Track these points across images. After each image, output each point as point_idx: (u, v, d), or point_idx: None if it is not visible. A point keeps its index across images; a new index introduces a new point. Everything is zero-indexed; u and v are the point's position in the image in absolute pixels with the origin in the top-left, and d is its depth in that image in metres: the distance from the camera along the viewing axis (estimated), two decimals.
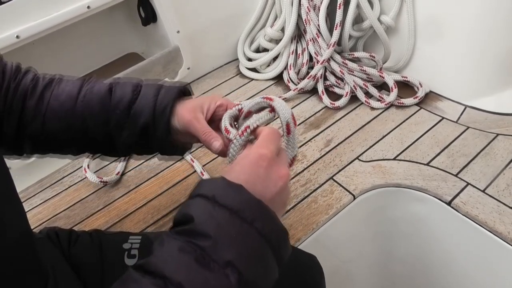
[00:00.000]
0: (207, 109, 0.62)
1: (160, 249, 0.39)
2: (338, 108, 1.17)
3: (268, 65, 1.34)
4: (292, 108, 1.20)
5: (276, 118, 0.54)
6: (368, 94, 1.18)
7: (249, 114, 0.58)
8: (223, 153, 0.59)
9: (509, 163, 0.93)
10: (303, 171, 1.00)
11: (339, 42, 1.17)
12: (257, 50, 1.37)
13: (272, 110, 0.54)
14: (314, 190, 0.95)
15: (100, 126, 0.62)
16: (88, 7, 1.03)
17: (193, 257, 0.37)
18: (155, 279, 0.36)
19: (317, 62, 1.18)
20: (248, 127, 0.52)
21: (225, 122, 0.57)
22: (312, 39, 1.18)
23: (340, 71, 1.16)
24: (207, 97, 0.63)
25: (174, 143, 0.65)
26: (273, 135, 0.49)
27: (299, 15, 1.19)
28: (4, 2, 0.94)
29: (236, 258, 0.38)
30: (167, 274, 0.36)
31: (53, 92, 0.62)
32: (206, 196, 0.41)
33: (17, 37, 0.95)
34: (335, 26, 1.12)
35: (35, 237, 0.66)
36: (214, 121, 0.62)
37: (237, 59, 1.40)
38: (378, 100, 1.15)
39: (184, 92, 0.64)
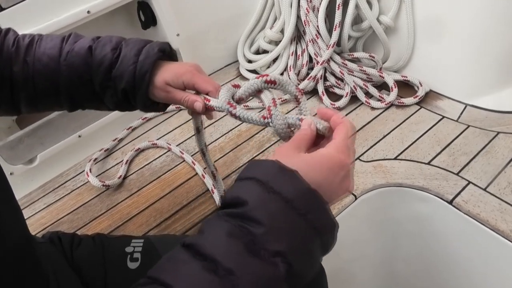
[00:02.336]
0: (183, 83, 0.63)
1: (209, 231, 0.38)
2: (339, 109, 1.17)
3: (268, 67, 1.34)
4: (292, 109, 1.21)
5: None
6: (368, 94, 1.18)
7: (242, 100, 0.59)
8: (204, 112, 0.62)
9: (510, 161, 0.93)
10: None
11: (338, 43, 1.17)
12: (257, 52, 1.38)
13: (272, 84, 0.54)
14: None
15: (86, 85, 0.64)
16: (88, 12, 1.03)
17: (243, 242, 0.37)
18: (206, 262, 0.36)
19: (317, 63, 1.18)
20: (274, 100, 0.53)
21: (226, 95, 0.58)
22: (312, 40, 1.18)
23: (340, 71, 1.17)
24: (184, 72, 0.63)
25: (156, 101, 0.66)
26: (353, 138, 0.47)
27: (298, 17, 1.20)
28: (5, 8, 0.95)
29: (286, 249, 0.37)
30: (219, 258, 0.36)
31: (35, 55, 0.63)
32: (260, 181, 0.39)
33: None
34: (334, 27, 1.12)
35: (38, 241, 0.67)
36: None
37: (237, 61, 1.40)
38: (378, 100, 1.16)
39: (164, 52, 0.65)
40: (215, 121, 1.19)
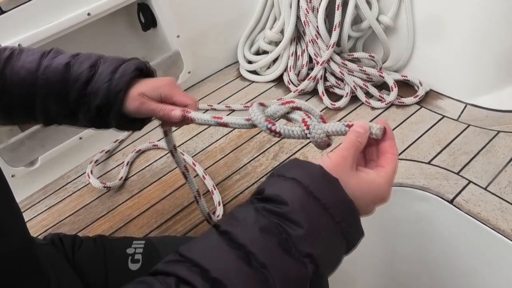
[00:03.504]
0: (160, 95, 0.64)
1: (245, 221, 0.39)
2: (339, 109, 1.17)
3: (268, 67, 1.35)
4: None
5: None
6: (368, 94, 1.18)
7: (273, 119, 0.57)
8: (184, 120, 0.62)
9: (510, 160, 0.93)
10: None
11: (338, 43, 1.17)
12: (257, 53, 1.38)
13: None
14: None
15: (61, 100, 0.64)
16: (89, 14, 1.04)
17: (278, 239, 0.38)
18: (239, 251, 0.37)
19: (317, 63, 1.19)
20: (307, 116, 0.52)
21: (260, 113, 0.56)
22: (312, 40, 1.18)
23: (340, 71, 1.17)
24: (162, 85, 0.64)
25: (132, 119, 0.66)
26: (396, 167, 0.48)
27: (298, 17, 1.20)
28: (6, 11, 0.95)
29: (318, 254, 0.38)
30: (254, 251, 0.37)
31: (14, 68, 0.63)
32: (301, 183, 0.40)
33: (19, 45, 0.96)
34: (334, 27, 1.12)
35: (39, 243, 0.67)
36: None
37: (237, 61, 1.40)
38: (379, 100, 1.16)
39: (141, 70, 0.65)
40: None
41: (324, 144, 0.51)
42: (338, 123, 0.49)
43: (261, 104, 0.57)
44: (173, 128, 0.74)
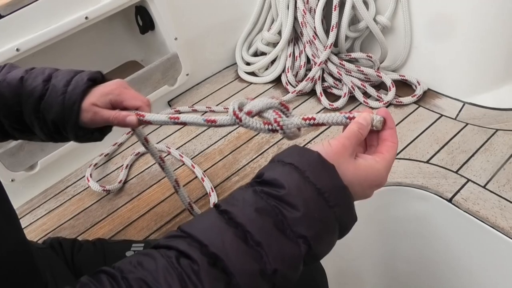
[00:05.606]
0: (110, 102, 0.63)
1: (244, 202, 0.41)
2: (337, 109, 1.17)
3: (266, 69, 1.35)
4: (291, 111, 1.21)
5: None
6: (366, 94, 1.18)
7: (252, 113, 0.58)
8: (141, 124, 0.63)
9: (509, 158, 0.93)
10: None
11: (336, 44, 1.18)
12: (255, 54, 1.38)
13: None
14: None
15: (16, 115, 0.64)
16: (86, 17, 1.04)
17: (273, 221, 0.40)
18: (237, 230, 0.39)
19: (315, 64, 1.19)
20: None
21: (234, 106, 0.57)
22: (309, 41, 1.18)
23: (338, 72, 1.17)
24: (110, 90, 0.64)
25: (91, 130, 0.66)
26: (395, 155, 0.49)
27: (295, 18, 1.20)
28: (4, 16, 0.95)
29: (311, 236, 0.40)
30: (250, 230, 0.39)
31: None
32: (298, 169, 0.42)
33: (17, 50, 0.96)
34: (331, 27, 1.13)
35: (38, 247, 0.67)
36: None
37: (236, 63, 1.41)
38: (377, 100, 1.16)
39: (95, 80, 0.65)
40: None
41: (295, 136, 0.53)
42: (338, 114, 0.51)
43: (248, 98, 0.58)
44: (203, 129, 0.73)
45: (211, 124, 0.58)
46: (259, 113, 0.54)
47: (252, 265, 0.37)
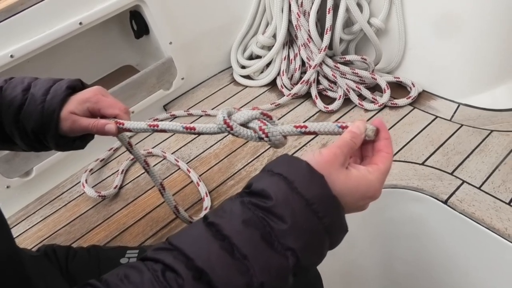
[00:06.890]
0: (87, 109, 0.63)
1: (232, 213, 0.41)
2: (332, 112, 1.17)
3: (262, 72, 1.35)
4: (286, 114, 1.21)
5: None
6: (361, 96, 1.18)
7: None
8: (121, 132, 0.63)
9: (504, 159, 0.93)
10: None
11: (330, 46, 1.18)
12: (250, 57, 1.38)
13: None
14: None
15: None
16: (80, 23, 1.04)
17: (260, 233, 0.39)
18: (223, 242, 0.39)
19: (310, 67, 1.19)
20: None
21: (223, 114, 0.57)
22: (304, 44, 1.19)
23: (333, 74, 1.17)
24: (88, 97, 0.64)
25: (72, 139, 0.66)
26: (389, 166, 0.48)
27: (289, 21, 1.20)
28: None
29: (299, 248, 0.40)
30: (236, 243, 0.39)
31: None
32: (287, 179, 0.41)
33: (11, 56, 0.96)
34: (325, 30, 1.13)
35: (31, 255, 0.67)
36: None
37: (231, 67, 1.41)
38: (372, 102, 1.16)
39: (74, 88, 0.65)
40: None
41: (281, 144, 0.53)
42: (330, 123, 0.50)
43: (235, 108, 0.58)
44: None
45: (191, 131, 0.58)
46: (245, 124, 0.54)
47: (238, 279, 0.37)
